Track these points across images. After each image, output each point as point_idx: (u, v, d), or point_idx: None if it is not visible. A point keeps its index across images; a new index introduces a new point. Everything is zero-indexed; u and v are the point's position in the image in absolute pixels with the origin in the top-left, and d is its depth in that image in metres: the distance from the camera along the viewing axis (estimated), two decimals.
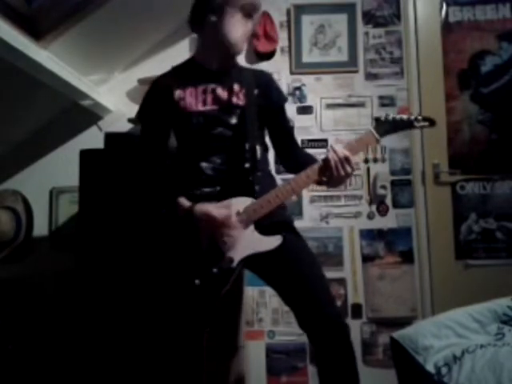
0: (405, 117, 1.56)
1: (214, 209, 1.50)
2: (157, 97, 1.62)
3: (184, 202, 1.54)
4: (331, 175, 1.49)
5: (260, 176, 1.57)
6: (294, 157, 1.73)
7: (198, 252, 1.51)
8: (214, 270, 1.49)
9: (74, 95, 2.29)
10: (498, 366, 1.30)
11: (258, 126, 1.61)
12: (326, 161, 1.49)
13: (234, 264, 1.49)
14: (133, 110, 2.48)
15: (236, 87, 1.59)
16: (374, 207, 2.49)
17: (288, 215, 1.71)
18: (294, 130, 1.81)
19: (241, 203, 1.51)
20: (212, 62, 1.62)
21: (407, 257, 2.47)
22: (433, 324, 1.57)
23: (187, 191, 1.56)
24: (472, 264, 2.45)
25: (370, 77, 2.57)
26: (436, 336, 1.50)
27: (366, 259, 2.47)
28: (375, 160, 2.51)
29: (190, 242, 1.52)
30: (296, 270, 1.53)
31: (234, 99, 1.58)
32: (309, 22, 2.58)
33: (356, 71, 2.56)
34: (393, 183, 2.50)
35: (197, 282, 1.49)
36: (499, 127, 2.52)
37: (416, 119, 1.55)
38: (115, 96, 2.57)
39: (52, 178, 2.51)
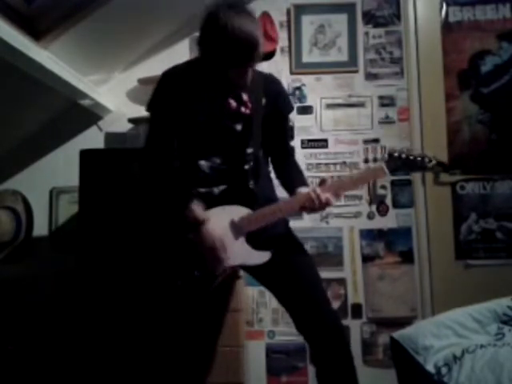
0: (418, 159, 1.53)
1: (214, 223, 1.49)
2: (167, 91, 1.59)
3: (199, 211, 1.50)
4: (309, 209, 1.49)
5: (260, 182, 1.57)
6: (284, 165, 1.71)
7: (186, 253, 1.51)
8: (196, 272, 1.48)
9: (74, 95, 2.29)
10: (497, 366, 1.30)
11: (262, 132, 1.60)
12: (309, 200, 1.47)
13: (218, 271, 1.49)
14: (133, 110, 2.51)
15: (245, 97, 1.57)
16: (374, 207, 2.49)
17: (287, 224, 1.69)
18: (291, 135, 1.78)
19: (236, 212, 1.51)
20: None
21: (407, 257, 2.47)
22: (433, 324, 1.57)
23: (185, 190, 1.55)
24: (472, 264, 2.45)
25: (370, 77, 2.56)
26: (436, 336, 1.50)
27: (366, 259, 2.47)
28: (375, 160, 2.51)
29: (181, 243, 1.52)
30: (293, 272, 1.53)
31: (243, 109, 1.57)
32: (309, 22, 2.58)
33: (356, 71, 2.56)
34: (393, 183, 2.50)
35: (179, 282, 1.49)
36: (499, 127, 2.52)
37: (430, 163, 1.52)
38: (115, 96, 2.56)
39: (52, 178, 2.51)
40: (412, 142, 2.51)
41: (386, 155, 1.57)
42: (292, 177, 1.64)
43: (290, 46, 2.57)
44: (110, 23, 2.12)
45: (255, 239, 1.51)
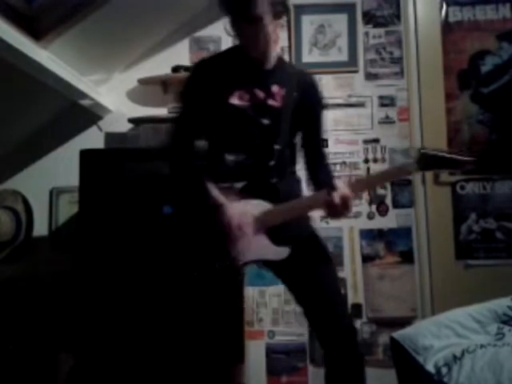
0: (458, 157, 1.43)
1: (235, 210, 1.46)
2: (198, 82, 1.57)
3: (219, 196, 1.48)
4: (331, 211, 1.45)
5: (285, 179, 1.54)
6: (316, 168, 1.66)
7: (206, 245, 1.49)
8: (216, 265, 1.47)
9: (74, 95, 2.29)
10: (498, 366, 1.30)
11: (290, 129, 1.55)
12: (330, 196, 1.42)
13: (238, 264, 1.48)
14: (133, 110, 2.51)
15: (274, 88, 1.54)
16: (374, 207, 2.49)
17: (309, 224, 1.65)
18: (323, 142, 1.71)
19: (258, 207, 1.48)
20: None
21: (407, 257, 2.47)
22: (433, 324, 1.57)
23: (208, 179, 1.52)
24: (472, 264, 2.45)
25: (370, 77, 2.56)
26: (436, 336, 1.50)
27: (366, 259, 2.47)
28: (375, 160, 2.51)
29: (202, 234, 1.50)
30: (312, 273, 1.52)
31: (270, 101, 1.53)
32: (309, 22, 2.58)
33: (356, 71, 2.56)
34: (393, 183, 2.50)
35: (195, 273, 1.48)
36: (499, 127, 2.52)
37: (465, 160, 1.42)
38: (115, 96, 2.56)
39: (52, 178, 2.50)
40: (412, 142, 2.50)
41: (418, 151, 1.46)
42: (325, 182, 1.57)
43: (290, 46, 2.57)
44: (110, 23, 2.12)
45: (277, 235, 1.48)
